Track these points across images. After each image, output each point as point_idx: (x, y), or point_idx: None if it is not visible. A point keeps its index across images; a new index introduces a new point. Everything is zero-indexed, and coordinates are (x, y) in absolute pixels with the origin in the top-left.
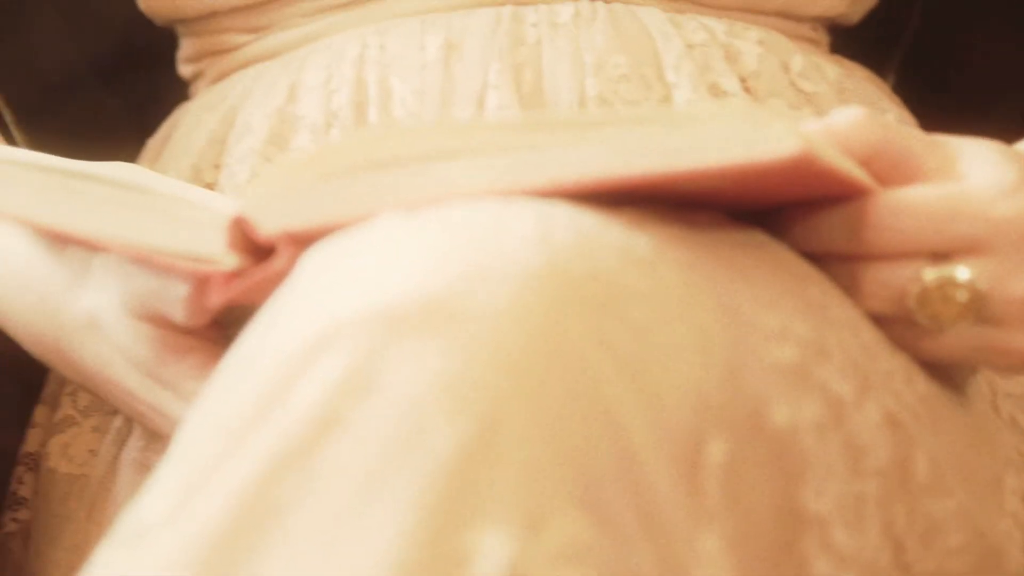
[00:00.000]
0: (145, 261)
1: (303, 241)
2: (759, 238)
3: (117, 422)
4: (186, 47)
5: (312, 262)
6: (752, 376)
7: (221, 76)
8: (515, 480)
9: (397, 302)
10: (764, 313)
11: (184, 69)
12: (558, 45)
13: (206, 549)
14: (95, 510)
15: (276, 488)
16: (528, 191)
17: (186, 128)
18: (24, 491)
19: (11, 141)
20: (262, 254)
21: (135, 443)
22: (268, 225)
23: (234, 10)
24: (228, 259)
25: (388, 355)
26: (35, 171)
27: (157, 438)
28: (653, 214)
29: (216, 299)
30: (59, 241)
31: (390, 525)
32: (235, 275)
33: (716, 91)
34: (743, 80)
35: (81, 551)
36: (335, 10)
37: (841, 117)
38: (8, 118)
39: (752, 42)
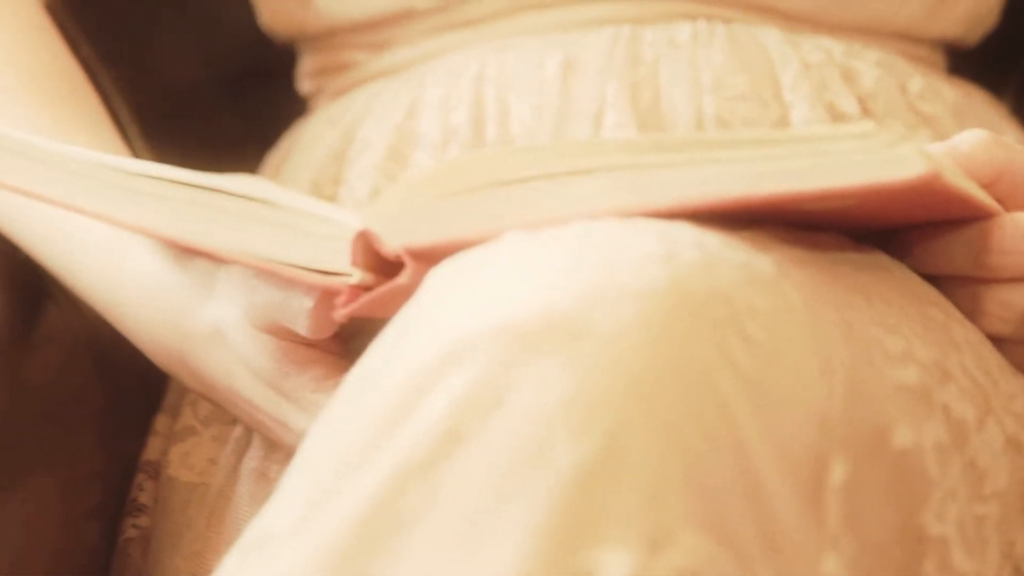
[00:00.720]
0: (270, 274)
1: (427, 257)
2: (881, 259)
3: (237, 432)
4: (306, 63)
5: (438, 279)
6: (874, 398)
7: (340, 92)
8: (637, 499)
9: (522, 319)
10: (886, 335)
11: (304, 85)
12: (676, 64)
13: (331, 560)
14: (214, 518)
15: (401, 502)
16: (651, 211)
17: (306, 143)
18: (144, 498)
19: (138, 154)
20: (386, 269)
21: (255, 453)
22: (393, 241)
23: (355, 27)
24: (354, 273)
25: (513, 372)
26: (162, 183)
27: (277, 448)
28: (775, 234)
29: (341, 313)
30: (185, 253)
31: (512, 542)
32: (360, 289)
33: (833, 111)
34: (860, 101)
35: (200, 559)
36: (454, 28)
37: (965, 139)
38: (135, 131)
39: (870, 63)
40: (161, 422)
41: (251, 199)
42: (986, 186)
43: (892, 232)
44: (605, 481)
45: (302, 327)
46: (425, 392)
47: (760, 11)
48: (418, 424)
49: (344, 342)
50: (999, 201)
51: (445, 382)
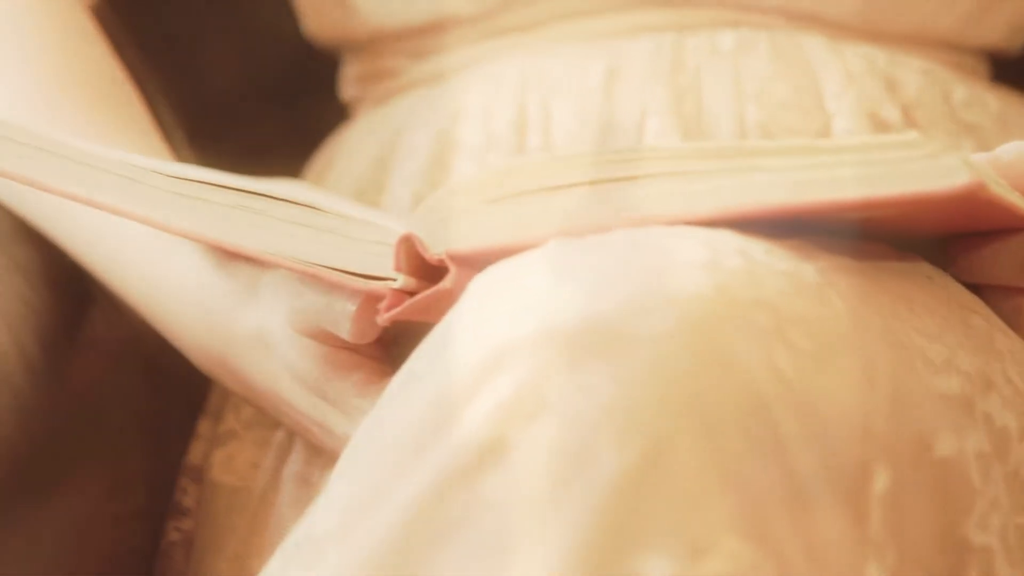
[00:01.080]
0: (313, 278)
1: (471, 263)
2: (923, 268)
3: (279, 436)
4: (349, 70)
5: (482, 285)
6: (917, 406)
7: (383, 99)
8: (680, 506)
9: (566, 326)
10: (929, 344)
11: (346, 91)
12: (718, 73)
13: (374, 565)
14: (257, 522)
15: (444, 508)
16: (696, 219)
17: (349, 150)
18: (187, 501)
19: (181, 158)
20: (430, 274)
21: (297, 457)
22: (436, 246)
23: (398, 34)
24: (397, 278)
25: (557, 378)
26: (206, 187)
27: (319, 453)
28: (819, 243)
29: (384, 317)
30: (228, 257)
31: (555, 548)
32: (403, 294)
33: (876, 121)
34: (904, 110)
35: (242, 562)
36: (497, 35)
37: (1008, 149)
38: (179, 136)
39: (914, 71)
40: (204, 425)
41: (295, 203)
42: None
43: (935, 241)
44: (648, 487)
45: (345, 331)
46: (468, 398)
47: (803, 19)
48: (462, 431)
49: (387, 347)
50: None
51: (488, 388)
